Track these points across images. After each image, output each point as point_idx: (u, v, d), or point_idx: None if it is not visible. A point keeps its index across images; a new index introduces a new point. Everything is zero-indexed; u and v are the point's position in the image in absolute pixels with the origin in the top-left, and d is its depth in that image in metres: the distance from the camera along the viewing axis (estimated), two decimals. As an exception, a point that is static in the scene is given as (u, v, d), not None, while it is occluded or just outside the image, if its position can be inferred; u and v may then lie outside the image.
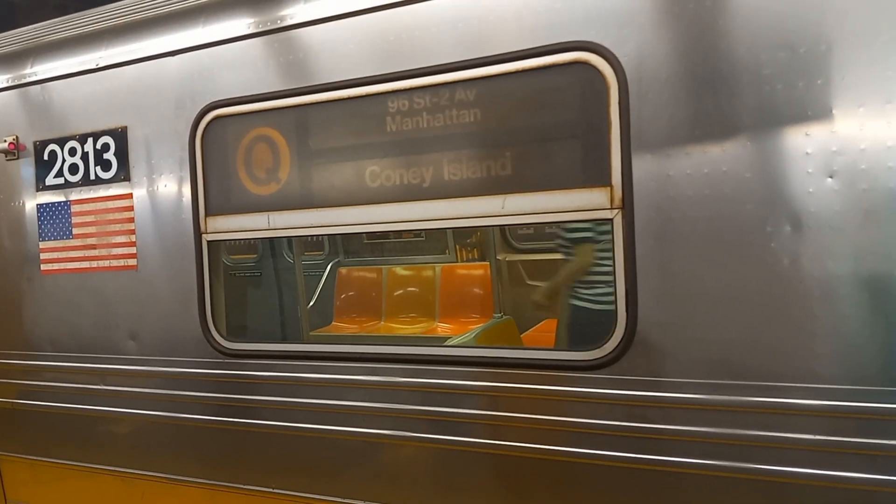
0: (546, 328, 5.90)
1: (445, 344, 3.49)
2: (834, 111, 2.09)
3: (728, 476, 2.27)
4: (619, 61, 2.34)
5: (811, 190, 2.12)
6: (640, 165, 2.32)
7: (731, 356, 2.25)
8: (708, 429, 2.28)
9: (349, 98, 2.81)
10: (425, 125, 2.70)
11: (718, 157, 2.24)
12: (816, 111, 2.11)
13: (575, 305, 4.00)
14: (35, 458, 3.77)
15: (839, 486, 2.13)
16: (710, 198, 2.25)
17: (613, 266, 2.39)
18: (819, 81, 2.11)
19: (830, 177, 2.09)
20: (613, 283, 2.40)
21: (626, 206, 2.34)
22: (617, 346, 2.39)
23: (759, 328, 2.21)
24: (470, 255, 7.66)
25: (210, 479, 3.26)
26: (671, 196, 2.29)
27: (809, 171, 2.11)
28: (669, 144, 2.29)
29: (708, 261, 2.26)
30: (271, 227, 3.01)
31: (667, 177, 2.30)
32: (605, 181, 2.38)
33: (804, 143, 2.12)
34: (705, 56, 2.25)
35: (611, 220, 2.37)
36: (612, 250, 2.39)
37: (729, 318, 2.25)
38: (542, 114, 2.56)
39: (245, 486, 3.17)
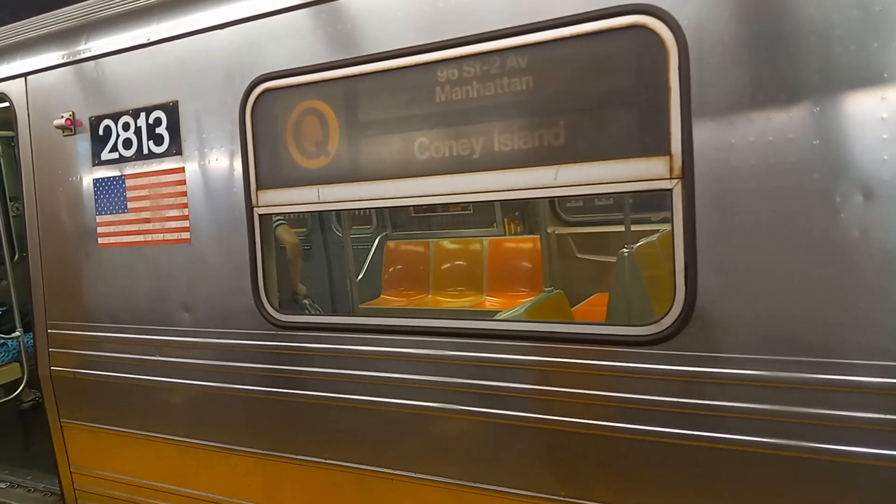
0: (597, 302, 5.82)
1: (496, 318, 3.46)
2: None
3: (789, 455, 2.20)
4: (678, 24, 2.24)
5: (886, 157, 2.00)
6: (701, 133, 2.23)
7: (794, 332, 2.17)
8: (769, 406, 2.21)
9: (398, 68, 2.77)
10: (475, 94, 2.64)
11: (784, 124, 2.13)
12: (893, 74, 1.98)
13: None
14: (96, 425, 3.90)
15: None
16: (774, 167, 2.15)
17: (672, 238, 2.32)
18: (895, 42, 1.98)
19: None
20: (672, 256, 2.32)
21: (686, 175, 2.26)
22: (675, 321, 2.32)
23: (825, 303, 2.12)
24: (518, 228, 7.60)
25: (263, 449, 3.32)
26: (733, 165, 2.20)
27: (885, 137, 2.00)
28: (732, 111, 2.19)
29: (772, 233, 2.17)
30: (321, 200, 3.00)
31: (729, 145, 2.20)
32: (664, 150, 2.29)
33: (879, 107, 2.00)
34: (771, 16, 2.14)
35: (670, 190, 2.29)
36: (672, 222, 2.31)
37: (793, 292, 2.16)
38: (597, 81, 2.48)
39: (297, 457, 3.22)
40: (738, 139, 2.19)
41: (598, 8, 2.36)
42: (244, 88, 3.12)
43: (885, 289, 2.04)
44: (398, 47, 2.75)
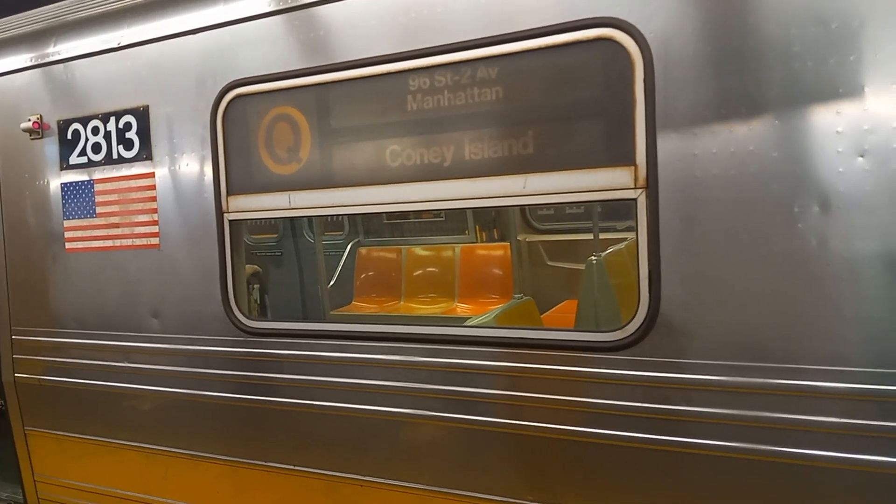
0: (566, 309, 5.89)
1: (466, 324, 3.49)
2: (866, 89, 2.04)
3: (750, 458, 2.25)
4: (644, 38, 2.30)
5: (841, 169, 2.07)
6: (665, 144, 2.29)
7: (755, 338, 2.23)
8: (730, 411, 2.27)
9: (370, 76, 2.79)
10: (446, 103, 2.68)
11: (745, 136, 2.19)
12: (848, 89, 2.06)
13: None
14: (61, 433, 3.84)
15: (862, 468, 2.11)
16: (736, 178, 2.21)
17: (637, 246, 2.37)
18: (851, 58, 2.05)
19: (861, 156, 2.04)
20: (637, 264, 2.37)
21: (651, 185, 2.31)
22: (639, 328, 2.37)
23: (784, 310, 2.18)
24: (490, 235, 7.65)
25: (232, 456, 3.30)
26: (696, 176, 2.26)
27: (840, 150, 2.07)
28: (695, 123, 2.25)
29: (733, 242, 2.23)
30: (292, 206, 3.01)
31: (692, 156, 2.26)
32: (629, 160, 2.34)
33: (835, 121, 2.07)
34: (733, 32, 2.21)
35: (634, 199, 2.34)
36: (636, 230, 2.36)
37: (754, 299, 2.22)
38: (565, 92, 2.53)
39: (266, 463, 3.20)
40: (701, 150, 2.25)
41: (567, 20, 2.41)
42: (216, 94, 3.12)
43: (841, 297, 2.11)
44: (371, 55, 2.78)
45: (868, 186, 2.04)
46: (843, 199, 2.08)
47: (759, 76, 2.17)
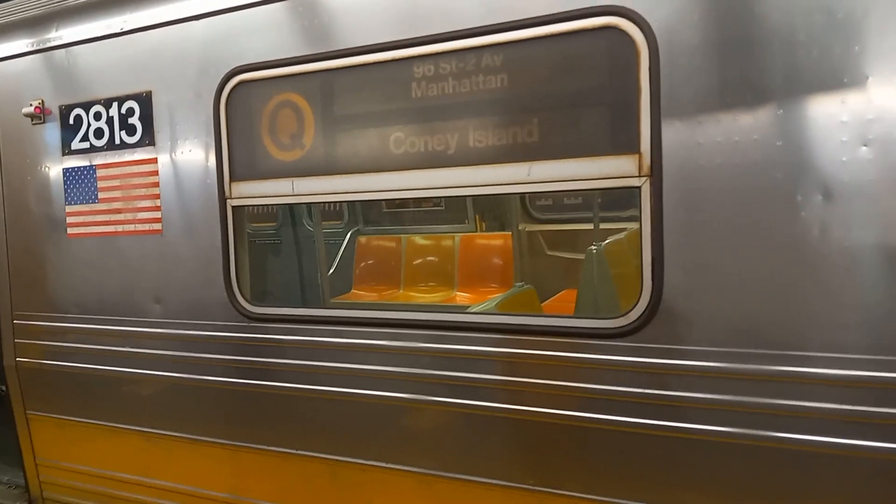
0: (566, 298, 5.91)
1: (468, 311, 3.50)
2: (870, 78, 2.05)
3: (750, 444, 2.27)
4: (650, 26, 2.30)
5: (845, 159, 2.08)
6: (670, 133, 2.30)
7: (757, 325, 2.25)
8: (731, 397, 2.29)
9: (374, 63, 2.79)
10: (451, 91, 2.68)
11: (749, 125, 2.20)
12: (852, 78, 2.07)
13: None
14: (63, 417, 3.86)
15: (861, 455, 2.14)
16: (739, 166, 2.22)
17: (640, 234, 2.38)
18: (856, 47, 2.06)
19: (865, 145, 2.06)
20: (640, 251, 2.38)
21: (655, 173, 2.32)
22: (642, 315, 2.38)
23: (786, 298, 2.20)
24: (490, 225, 7.65)
25: (233, 440, 3.33)
26: (700, 164, 2.27)
27: (844, 139, 2.08)
28: (700, 112, 2.26)
29: (736, 230, 2.24)
30: (295, 192, 3.02)
31: (697, 144, 2.27)
32: (633, 148, 2.35)
33: (839, 110, 2.08)
34: (738, 21, 2.21)
35: (639, 188, 2.35)
36: (640, 219, 2.38)
37: (756, 287, 2.23)
38: (570, 80, 2.53)
39: (268, 447, 3.23)
40: (705, 139, 2.26)
41: (572, 9, 2.42)
42: (219, 80, 3.11)
43: (841, 285, 2.12)
44: (375, 42, 2.78)
45: (871, 176, 2.05)
46: (847, 189, 2.09)
47: (764, 65, 2.17)
